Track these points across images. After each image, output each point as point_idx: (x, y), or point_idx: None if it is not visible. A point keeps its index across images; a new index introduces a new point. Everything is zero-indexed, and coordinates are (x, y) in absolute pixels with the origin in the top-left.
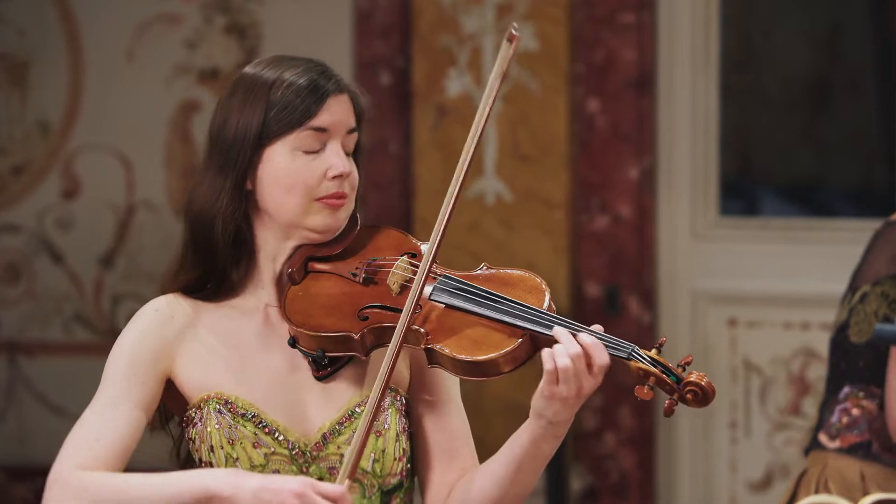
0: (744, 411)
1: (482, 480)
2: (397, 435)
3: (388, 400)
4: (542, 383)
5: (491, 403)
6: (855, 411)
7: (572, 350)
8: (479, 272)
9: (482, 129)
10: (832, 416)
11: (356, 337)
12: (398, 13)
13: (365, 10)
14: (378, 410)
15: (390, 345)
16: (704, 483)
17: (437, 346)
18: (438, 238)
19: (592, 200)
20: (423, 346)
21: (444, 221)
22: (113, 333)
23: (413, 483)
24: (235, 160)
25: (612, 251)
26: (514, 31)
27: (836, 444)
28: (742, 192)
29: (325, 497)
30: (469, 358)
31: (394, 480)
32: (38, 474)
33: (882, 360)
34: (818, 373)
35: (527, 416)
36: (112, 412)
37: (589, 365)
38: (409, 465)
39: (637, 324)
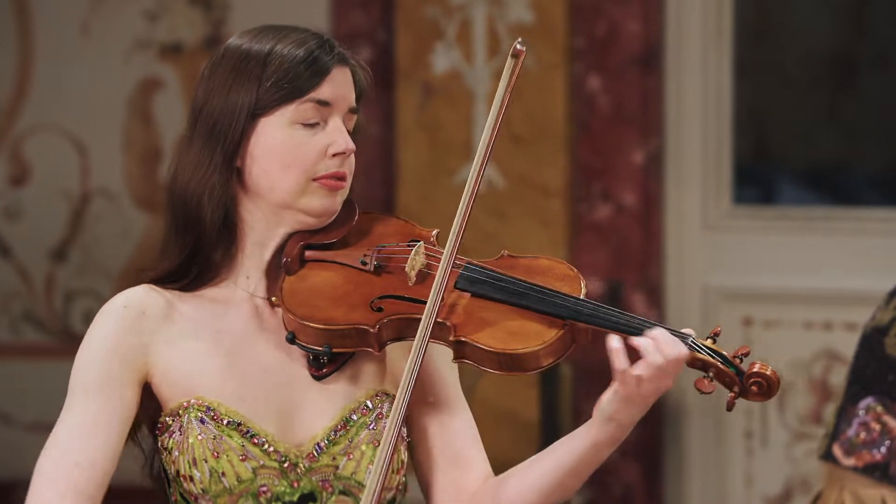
0: (760, 420)
1: (521, 488)
2: (396, 445)
3: (385, 406)
4: (615, 386)
5: (479, 409)
6: (875, 426)
7: (653, 346)
8: (501, 260)
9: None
10: (849, 427)
11: (373, 330)
12: None
13: None
14: (380, 417)
15: (415, 341)
16: (717, 498)
17: (469, 339)
18: (463, 220)
19: (593, 187)
20: (451, 339)
21: (468, 203)
22: (65, 334)
23: (404, 498)
24: (226, 131)
25: (615, 243)
26: (519, 46)
27: (851, 461)
28: (758, 179)
29: None
30: (508, 350)
31: (389, 495)
32: None
33: None
34: (841, 377)
35: (516, 423)
36: (89, 433)
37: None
38: (404, 479)
39: None
